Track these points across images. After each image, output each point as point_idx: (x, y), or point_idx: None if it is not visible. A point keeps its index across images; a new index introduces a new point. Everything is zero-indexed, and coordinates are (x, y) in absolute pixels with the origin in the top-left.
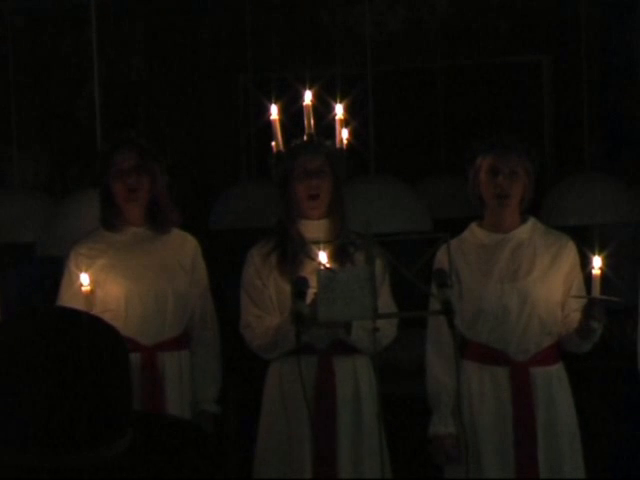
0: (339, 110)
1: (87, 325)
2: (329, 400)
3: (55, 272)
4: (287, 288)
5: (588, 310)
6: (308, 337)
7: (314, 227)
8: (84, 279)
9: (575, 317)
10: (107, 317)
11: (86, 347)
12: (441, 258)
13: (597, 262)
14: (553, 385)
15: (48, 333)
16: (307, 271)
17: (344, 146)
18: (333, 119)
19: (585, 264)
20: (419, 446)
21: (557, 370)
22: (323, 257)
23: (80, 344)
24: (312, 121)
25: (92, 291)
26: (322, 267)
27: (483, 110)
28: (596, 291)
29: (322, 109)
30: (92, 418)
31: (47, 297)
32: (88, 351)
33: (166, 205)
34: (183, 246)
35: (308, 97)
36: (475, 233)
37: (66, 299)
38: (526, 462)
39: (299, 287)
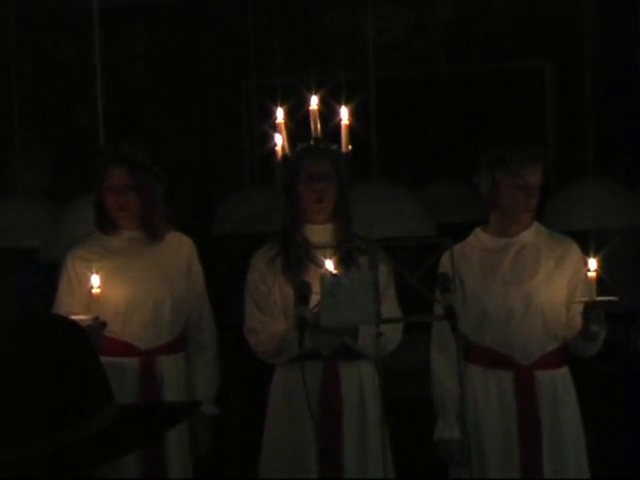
0: (344, 115)
1: (52, 323)
2: (335, 405)
3: (57, 277)
4: (292, 293)
5: (587, 313)
6: (314, 343)
7: (319, 231)
8: (95, 281)
9: (580, 320)
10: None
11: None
12: (445, 262)
13: (592, 264)
14: (558, 388)
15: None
16: (311, 276)
17: (349, 151)
18: (336, 124)
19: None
20: (424, 450)
21: (562, 374)
22: (330, 265)
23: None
24: (318, 126)
25: (101, 293)
26: (327, 272)
27: (486, 115)
28: (592, 294)
29: (327, 114)
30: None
31: (48, 302)
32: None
33: (157, 216)
34: (179, 248)
35: (314, 102)
36: (480, 238)
37: (65, 303)
38: (531, 465)
39: (302, 292)
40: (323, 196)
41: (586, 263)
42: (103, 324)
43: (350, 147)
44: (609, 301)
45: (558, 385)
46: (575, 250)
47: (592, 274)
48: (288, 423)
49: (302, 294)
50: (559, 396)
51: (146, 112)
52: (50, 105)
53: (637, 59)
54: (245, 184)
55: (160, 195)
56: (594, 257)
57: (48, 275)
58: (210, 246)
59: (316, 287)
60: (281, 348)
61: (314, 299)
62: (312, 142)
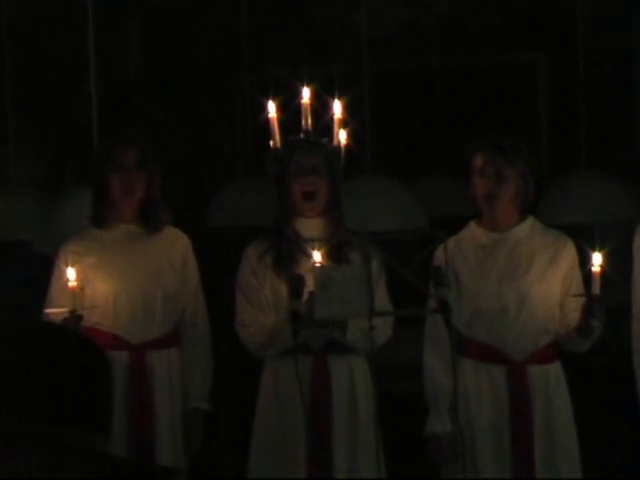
0: (337, 109)
1: (71, 340)
2: (325, 400)
3: (52, 270)
4: (283, 287)
5: (588, 308)
6: (304, 337)
7: (310, 225)
8: (70, 274)
9: (574, 316)
10: (95, 314)
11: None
12: (439, 256)
13: (597, 259)
14: (550, 384)
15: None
16: (303, 269)
17: (341, 145)
18: (330, 118)
19: (583, 263)
20: (416, 445)
21: (554, 369)
22: (317, 256)
23: (64, 359)
24: (310, 120)
25: (79, 287)
26: (318, 265)
27: (479, 109)
28: (596, 289)
29: (319, 108)
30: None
31: (43, 295)
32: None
33: (159, 205)
34: (174, 244)
35: (306, 95)
36: (474, 232)
37: (54, 296)
38: (523, 461)
39: (295, 285)
40: (314, 190)
41: (582, 260)
42: (79, 317)
43: (344, 143)
44: (612, 295)
45: (550, 380)
46: (570, 247)
47: (597, 269)
48: (277, 418)
49: (296, 288)
50: (551, 391)
51: (140, 105)
52: (44, 97)
53: (631, 53)
54: (239, 177)
55: (159, 184)
56: (599, 252)
57: (44, 267)
58: (204, 239)
59: (308, 281)
60: (270, 341)
61: (306, 292)
62: (302, 135)
